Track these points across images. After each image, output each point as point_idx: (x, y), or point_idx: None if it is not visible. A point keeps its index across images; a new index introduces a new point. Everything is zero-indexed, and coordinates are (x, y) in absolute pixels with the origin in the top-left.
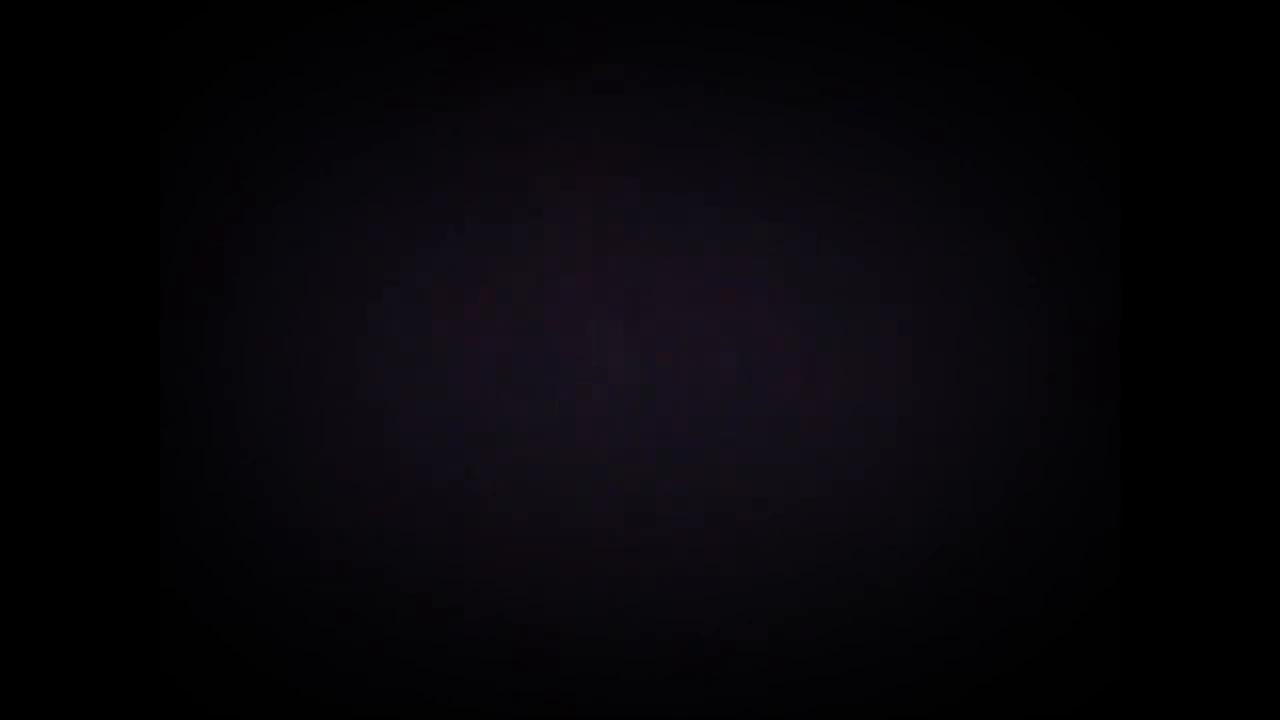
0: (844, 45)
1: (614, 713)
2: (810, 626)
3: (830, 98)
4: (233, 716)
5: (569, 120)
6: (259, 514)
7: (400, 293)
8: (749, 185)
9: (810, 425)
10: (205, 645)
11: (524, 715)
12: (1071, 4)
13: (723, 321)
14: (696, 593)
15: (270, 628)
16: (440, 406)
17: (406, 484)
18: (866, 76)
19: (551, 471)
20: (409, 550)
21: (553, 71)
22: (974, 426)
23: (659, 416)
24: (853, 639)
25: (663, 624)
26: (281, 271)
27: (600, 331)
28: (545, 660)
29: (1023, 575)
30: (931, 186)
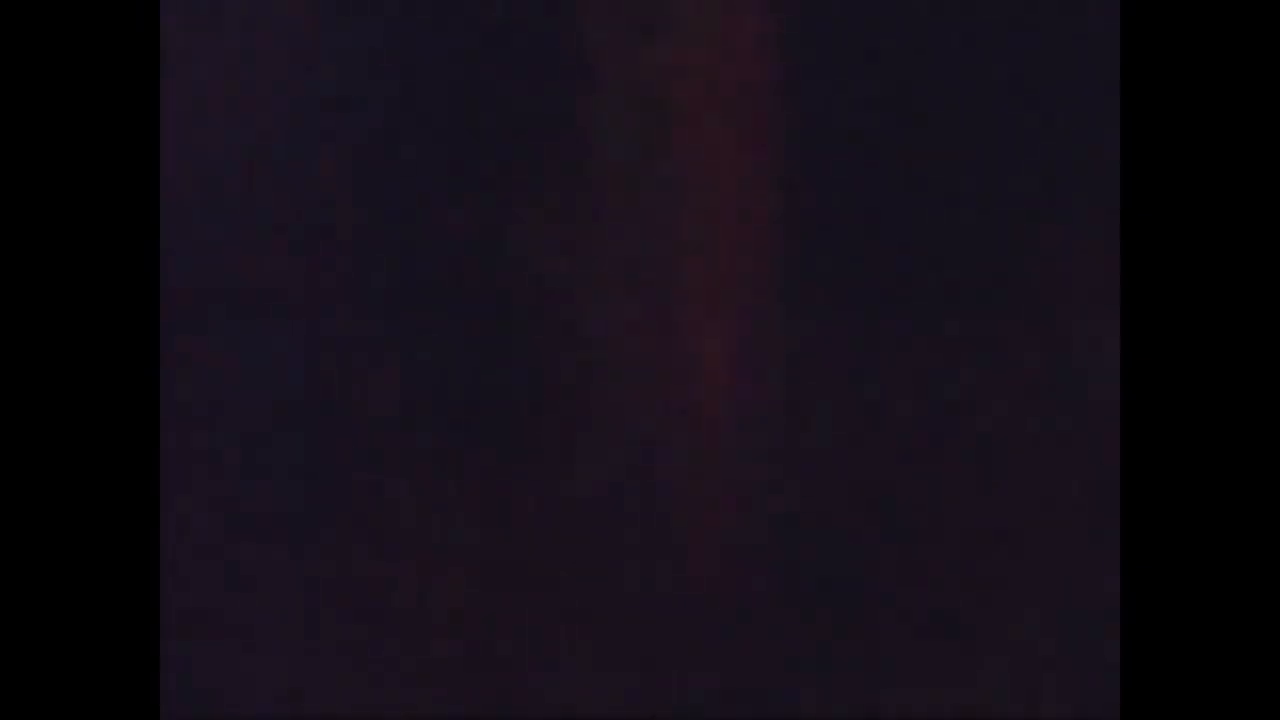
0: (842, 36)
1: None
2: (808, 625)
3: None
4: (232, 716)
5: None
6: (259, 514)
7: (402, 293)
8: (769, 180)
9: (807, 424)
10: (205, 644)
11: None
12: (1071, 3)
13: (735, 315)
14: (695, 592)
15: (270, 626)
16: (441, 406)
17: (407, 484)
18: (865, 70)
19: (562, 471)
20: (409, 550)
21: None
22: (974, 426)
23: (671, 417)
24: (852, 638)
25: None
26: (282, 271)
27: (615, 333)
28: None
29: (1022, 575)
30: (931, 185)
